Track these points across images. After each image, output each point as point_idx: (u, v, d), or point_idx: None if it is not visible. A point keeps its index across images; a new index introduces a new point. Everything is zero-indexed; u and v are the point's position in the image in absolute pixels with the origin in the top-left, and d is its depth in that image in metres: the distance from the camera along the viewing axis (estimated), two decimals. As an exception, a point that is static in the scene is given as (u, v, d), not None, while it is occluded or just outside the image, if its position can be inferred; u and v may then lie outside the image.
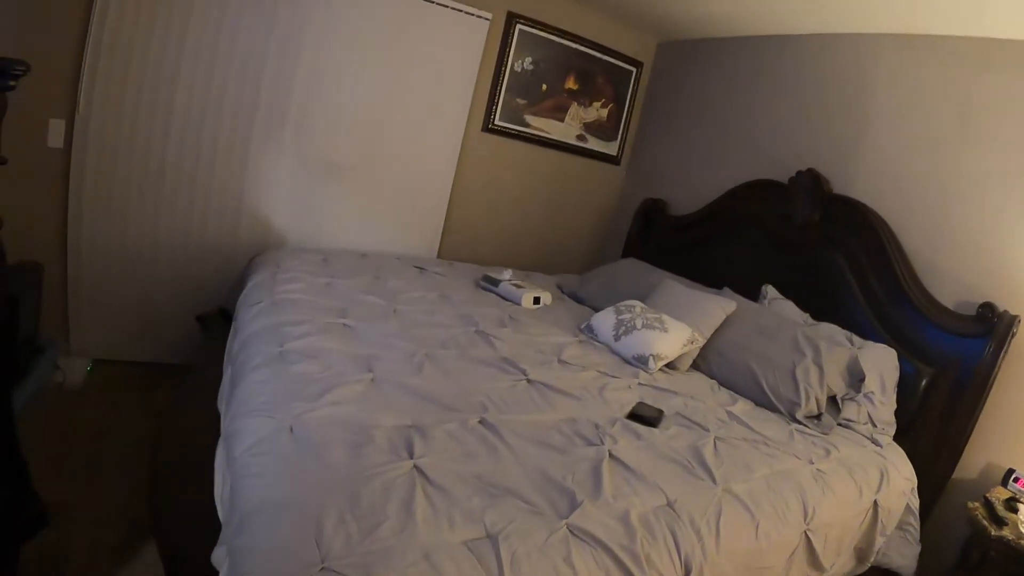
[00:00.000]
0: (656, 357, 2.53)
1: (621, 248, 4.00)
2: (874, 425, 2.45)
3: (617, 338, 2.65)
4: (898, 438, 2.47)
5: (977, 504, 2.17)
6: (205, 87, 2.90)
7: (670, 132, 3.93)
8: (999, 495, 2.24)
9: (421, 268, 3.20)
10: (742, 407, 2.41)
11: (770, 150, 3.31)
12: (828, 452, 2.17)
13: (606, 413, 2.04)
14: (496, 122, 3.65)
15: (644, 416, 2.06)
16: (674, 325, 2.64)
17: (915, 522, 2.31)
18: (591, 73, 3.84)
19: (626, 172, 4.23)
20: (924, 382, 2.52)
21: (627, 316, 2.71)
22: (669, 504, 1.61)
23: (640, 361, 2.54)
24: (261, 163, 3.14)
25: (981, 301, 2.42)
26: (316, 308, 2.30)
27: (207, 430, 1.79)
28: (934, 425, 2.47)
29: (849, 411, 2.46)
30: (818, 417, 2.43)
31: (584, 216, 4.22)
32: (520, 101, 3.68)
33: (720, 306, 2.78)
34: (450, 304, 2.75)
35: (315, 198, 3.32)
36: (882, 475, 2.21)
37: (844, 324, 2.73)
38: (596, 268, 3.67)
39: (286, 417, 1.54)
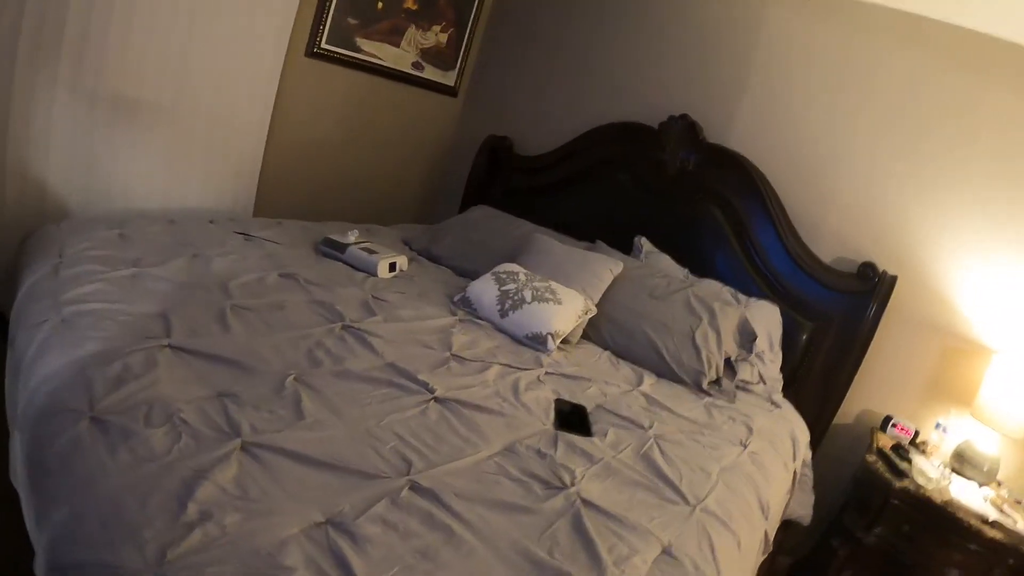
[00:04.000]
0: (554, 335, 2.18)
1: (461, 192, 3.52)
2: (764, 383, 2.41)
3: (504, 314, 2.24)
4: (783, 391, 2.46)
5: (875, 458, 2.22)
6: None
7: (519, 63, 3.47)
8: (883, 442, 2.33)
9: (246, 234, 2.43)
10: (650, 384, 2.20)
11: (639, 91, 3.04)
12: (749, 428, 2.05)
13: (535, 427, 1.67)
14: (323, 45, 2.87)
15: (572, 421, 1.75)
16: (566, 294, 2.29)
17: (810, 472, 2.34)
18: None
19: (464, 105, 3.70)
20: (804, 337, 2.54)
21: (512, 287, 2.30)
22: (666, 551, 1.34)
23: (536, 341, 2.17)
24: (28, 103, 2.15)
25: (859, 260, 2.45)
26: (125, 325, 1.55)
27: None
28: (816, 378, 2.51)
29: (743, 372, 2.38)
30: (717, 382, 2.31)
31: (418, 155, 3.65)
32: (352, 21, 2.93)
33: (607, 266, 2.49)
34: (298, 287, 2.09)
35: (103, 146, 2.38)
36: (793, 442, 2.18)
37: (722, 279, 2.63)
38: (444, 219, 3.18)
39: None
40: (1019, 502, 2.17)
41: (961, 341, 2.34)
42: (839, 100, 2.56)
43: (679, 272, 2.67)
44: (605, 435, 1.72)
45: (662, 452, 1.71)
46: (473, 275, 2.65)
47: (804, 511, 2.30)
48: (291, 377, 1.52)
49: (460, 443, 1.48)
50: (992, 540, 1.98)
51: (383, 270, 2.45)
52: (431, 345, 1.95)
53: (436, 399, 1.62)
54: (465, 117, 3.70)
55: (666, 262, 2.71)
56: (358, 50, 3.04)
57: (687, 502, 1.53)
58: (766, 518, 1.75)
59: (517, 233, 2.85)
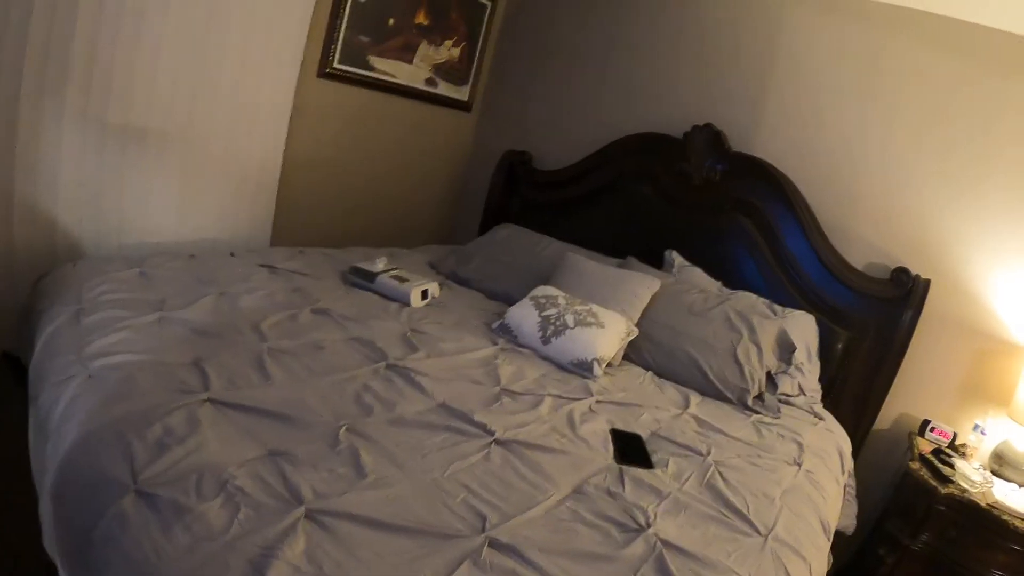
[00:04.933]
0: (600, 361, 2.17)
1: (480, 209, 3.50)
2: (804, 395, 2.42)
3: (546, 340, 2.23)
4: (822, 401, 2.47)
5: (918, 465, 2.23)
6: None
7: (535, 75, 3.45)
8: (923, 447, 2.35)
9: (270, 267, 2.41)
10: (697, 404, 2.19)
11: (660, 101, 3.02)
12: (799, 445, 2.05)
13: (598, 462, 1.66)
14: (336, 65, 2.84)
15: (631, 453, 1.75)
16: (608, 317, 2.29)
17: (852, 482, 2.34)
18: (444, 6, 3.17)
19: (479, 120, 3.68)
20: (840, 345, 2.54)
21: (553, 312, 2.30)
22: (752, 591, 1.32)
23: (582, 368, 2.16)
24: (35, 136, 2.11)
25: (891, 264, 2.46)
26: (159, 378, 1.49)
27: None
28: (854, 386, 2.51)
29: (784, 386, 2.37)
30: (760, 398, 2.32)
31: (435, 173, 3.62)
32: (363, 39, 2.90)
33: (645, 285, 2.49)
34: (333, 323, 2.07)
35: (113, 178, 2.33)
36: (840, 456, 2.18)
37: (754, 289, 2.63)
38: (465, 237, 3.20)
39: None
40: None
41: (996, 342, 2.35)
42: (867, 104, 2.55)
43: (713, 286, 2.66)
44: (666, 466, 1.72)
45: (724, 479, 1.71)
46: (504, 297, 2.66)
47: (849, 521, 2.30)
48: (344, 428, 1.48)
49: (529, 489, 1.46)
50: (1036, 540, 2.01)
51: (416, 299, 2.44)
52: (479, 380, 1.94)
53: (496, 441, 1.61)
54: (481, 132, 3.68)
55: (699, 276, 2.71)
56: (371, 68, 3.01)
57: (759, 532, 1.52)
58: (828, 538, 1.75)
59: (546, 252, 2.84)
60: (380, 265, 2.55)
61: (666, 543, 1.38)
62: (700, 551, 1.39)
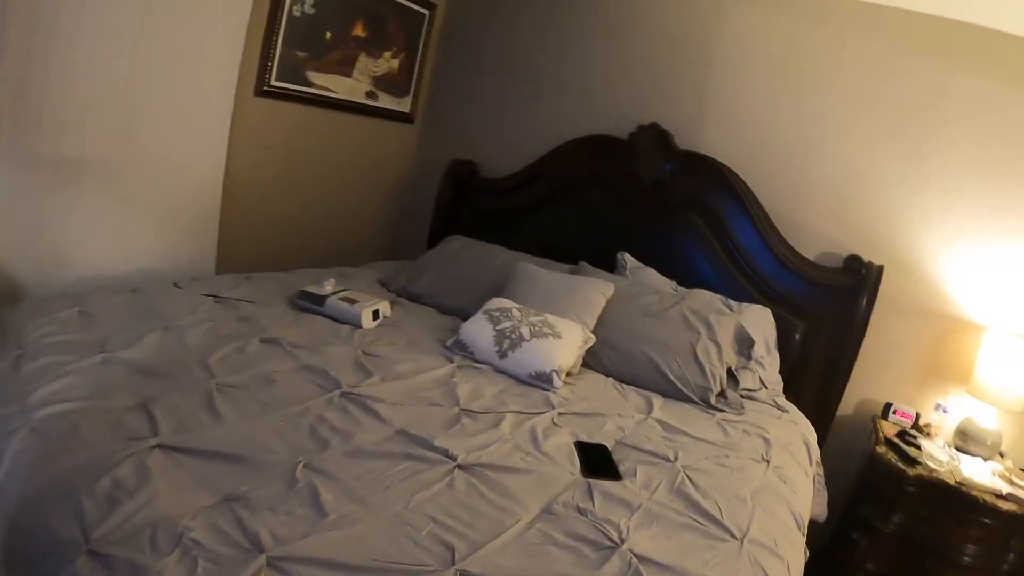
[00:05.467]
0: (559, 371, 2.12)
1: (428, 222, 3.43)
2: (766, 387, 2.42)
3: (503, 355, 2.17)
4: (784, 393, 2.47)
5: (884, 449, 2.24)
6: None
7: (477, 83, 3.39)
8: (887, 429, 2.36)
9: (216, 296, 2.29)
10: (660, 408, 2.15)
11: (604, 103, 3.00)
12: (765, 440, 2.03)
13: (565, 478, 1.60)
14: (273, 83, 2.73)
15: (598, 465, 1.70)
16: (564, 326, 2.24)
17: (821, 471, 2.34)
18: (381, 17, 3.09)
19: (421, 131, 3.60)
20: (798, 336, 2.55)
21: (507, 325, 2.23)
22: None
23: (541, 380, 2.10)
24: None
25: (843, 253, 2.49)
26: (105, 426, 1.40)
27: None
28: (815, 375, 2.52)
29: (745, 380, 2.37)
30: (723, 395, 2.29)
31: (380, 188, 3.53)
32: (301, 54, 2.79)
33: (598, 290, 2.45)
34: (283, 353, 1.96)
35: (50, 213, 2.20)
36: (807, 447, 2.17)
37: (709, 286, 2.63)
38: (415, 252, 3.11)
39: None
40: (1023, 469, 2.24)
41: (951, 322, 2.39)
42: (808, 96, 2.59)
43: (667, 286, 2.64)
44: (635, 475, 1.67)
45: (694, 484, 1.67)
46: (458, 312, 2.59)
47: (820, 509, 2.30)
48: (300, 465, 1.40)
49: (497, 514, 1.39)
50: (1007, 512, 2.04)
51: (367, 320, 2.35)
52: (437, 401, 1.86)
53: (459, 466, 1.54)
54: (424, 143, 3.61)
55: (653, 276, 2.68)
56: (310, 84, 2.91)
57: (734, 536, 1.49)
58: (803, 532, 1.73)
59: (497, 263, 2.78)
60: (328, 287, 2.45)
61: (642, 558, 1.33)
62: (677, 562, 1.34)
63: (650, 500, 1.57)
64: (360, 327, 2.30)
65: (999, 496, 2.05)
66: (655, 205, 2.82)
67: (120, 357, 1.71)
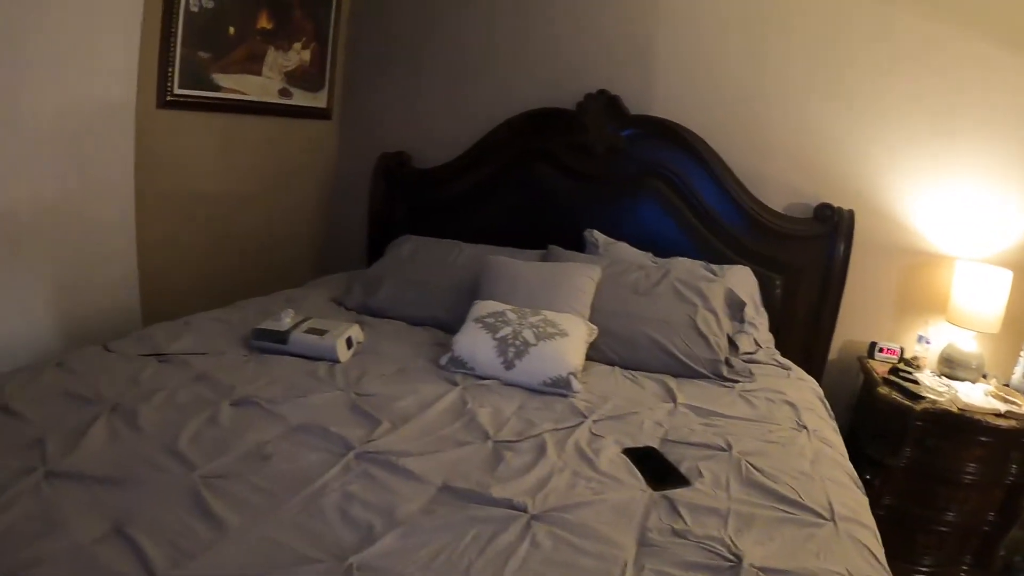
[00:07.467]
0: (575, 373, 1.96)
1: (365, 224, 3.12)
2: (761, 347, 2.39)
3: (509, 365, 1.97)
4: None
5: (887, 389, 2.28)
6: None
7: (398, 68, 3.07)
8: (876, 368, 2.41)
9: (159, 355, 1.91)
10: (680, 391, 2.04)
11: (544, 74, 2.80)
12: (792, 406, 1.99)
13: (638, 498, 1.45)
14: (176, 91, 2.31)
15: (660, 473, 1.57)
16: (567, 322, 2.08)
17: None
18: (286, 4, 2.73)
19: (341, 126, 3.24)
20: (778, 291, 2.54)
21: (507, 331, 2.03)
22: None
23: (558, 386, 1.93)
24: None
25: (812, 203, 2.48)
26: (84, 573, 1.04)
27: None
28: (799, 326, 2.53)
29: (744, 344, 2.33)
30: (729, 364, 2.23)
31: (305, 193, 3.18)
32: (203, 55, 2.38)
33: (585, 275, 2.29)
34: (263, 414, 1.63)
35: None
36: (821, 401, 2.16)
37: (683, 252, 2.56)
38: (355, 258, 2.89)
39: None
40: (1006, 385, 2.37)
41: (924, 256, 2.46)
42: (757, 43, 2.54)
43: (645, 258, 2.54)
44: (700, 475, 1.56)
45: (759, 470, 1.58)
46: (432, 322, 2.38)
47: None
48: (353, 569, 1.10)
49: (598, 564, 1.20)
50: (1007, 429, 2.14)
51: (343, 352, 2.07)
52: (463, 439, 1.63)
53: (533, 516, 1.33)
54: (346, 139, 3.26)
55: (627, 250, 2.57)
56: (216, 88, 2.51)
57: (824, 517, 1.42)
58: (861, 491, 1.68)
59: (460, 260, 2.56)
60: (287, 320, 2.13)
61: (764, 569, 1.22)
62: (793, 564, 1.25)
63: (731, 500, 1.46)
64: (337, 361, 2.03)
65: (998, 415, 2.15)
66: (613, 176, 2.69)
67: (65, 468, 1.31)
